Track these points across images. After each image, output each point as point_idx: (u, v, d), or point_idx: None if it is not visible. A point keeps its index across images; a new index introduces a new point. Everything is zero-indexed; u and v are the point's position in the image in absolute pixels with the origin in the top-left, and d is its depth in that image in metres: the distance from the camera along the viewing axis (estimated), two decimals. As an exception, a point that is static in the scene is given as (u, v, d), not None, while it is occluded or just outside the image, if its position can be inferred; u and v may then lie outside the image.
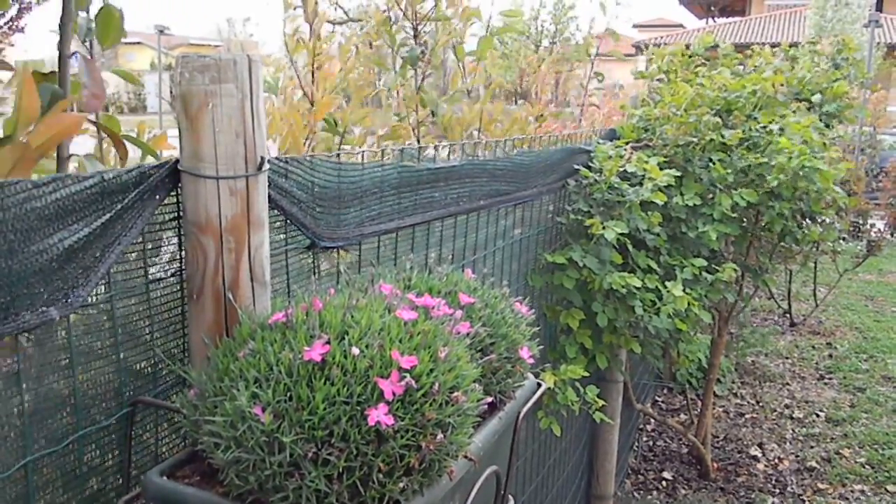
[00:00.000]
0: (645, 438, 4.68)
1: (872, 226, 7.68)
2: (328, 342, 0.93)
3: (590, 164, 2.72)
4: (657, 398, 5.22)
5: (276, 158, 1.31)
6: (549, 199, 2.68)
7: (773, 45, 5.19)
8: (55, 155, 1.26)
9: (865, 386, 5.40)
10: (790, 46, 5.04)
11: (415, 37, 2.46)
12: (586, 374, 2.48)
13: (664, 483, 4.15)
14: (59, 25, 1.29)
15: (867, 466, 4.27)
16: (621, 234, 2.47)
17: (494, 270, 2.30)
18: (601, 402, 2.55)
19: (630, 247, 2.64)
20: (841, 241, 5.51)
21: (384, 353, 0.93)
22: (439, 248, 1.94)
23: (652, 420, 4.74)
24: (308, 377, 0.90)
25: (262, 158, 1.15)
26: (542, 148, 2.56)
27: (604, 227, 2.46)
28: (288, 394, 0.89)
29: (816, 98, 3.77)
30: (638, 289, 2.52)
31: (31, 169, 1.11)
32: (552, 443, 2.97)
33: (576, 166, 2.68)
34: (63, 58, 1.28)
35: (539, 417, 2.55)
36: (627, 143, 2.93)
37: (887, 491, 4.02)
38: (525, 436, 2.65)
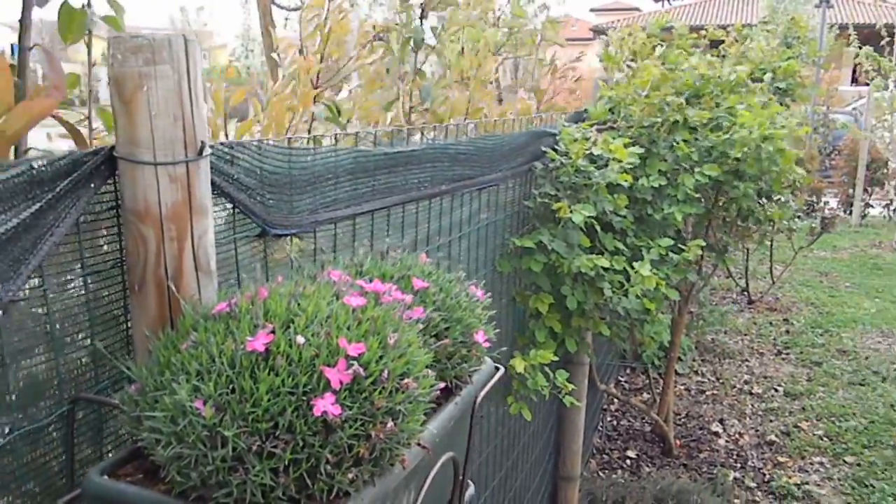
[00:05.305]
0: (609, 418, 4.73)
1: (826, 203, 7.84)
2: (273, 331, 0.90)
3: (555, 146, 2.71)
4: (620, 378, 5.28)
5: (221, 143, 1.27)
6: (515, 183, 2.65)
7: (725, 27, 5.24)
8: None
9: (821, 360, 5.53)
10: (743, 27, 5.09)
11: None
12: (555, 358, 2.47)
13: (628, 461, 4.20)
14: (20, 18, 1.26)
15: (825, 438, 4.37)
16: (589, 217, 2.46)
17: (461, 256, 2.27)
18: (571, 387, 2.55)
19: (598, 229, 2.63)
20: (796, 220, 5.61)
21: (331, 340, 0.90)
22: (401, 235, 1.90)
23: (615, 400, 4.79)
24: (251, 368, 0.86)
25: (203, 143, 1.10)
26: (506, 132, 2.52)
27: (571, 211, 2.44)
28: (230, 386, 0.85)
29: (768, 77, 3.81)
30: (606, 270, 2.52)
31: (7, 154, 1.10)
32: (521, 428, 2.97)
33: (542, 149, 2.66)
34: (23, 49, 1.25)
35: (509, 403, 2.54)
36: (593, 126, 2.92)
37: (845, 462, 4.12)
38: (494, 422, 2.63)
